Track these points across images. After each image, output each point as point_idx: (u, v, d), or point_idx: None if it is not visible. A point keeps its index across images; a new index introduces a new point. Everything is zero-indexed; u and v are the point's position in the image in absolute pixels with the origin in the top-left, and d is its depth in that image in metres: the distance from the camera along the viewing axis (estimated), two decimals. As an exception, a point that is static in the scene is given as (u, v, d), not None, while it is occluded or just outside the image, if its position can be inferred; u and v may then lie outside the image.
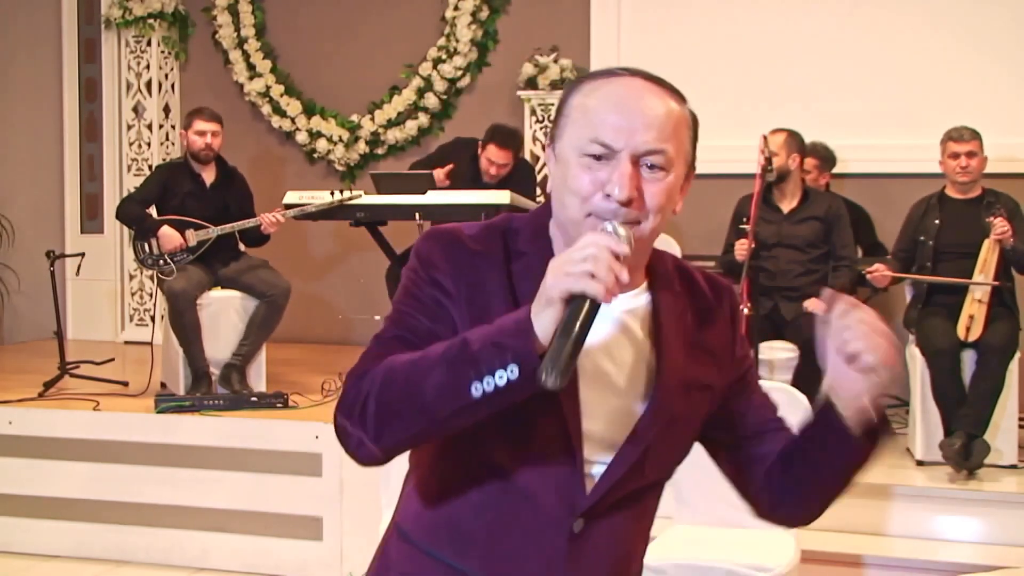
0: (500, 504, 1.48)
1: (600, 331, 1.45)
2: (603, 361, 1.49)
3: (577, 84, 1.52)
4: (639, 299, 1.53)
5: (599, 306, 1.32)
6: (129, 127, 7.45)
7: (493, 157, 5.59)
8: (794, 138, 5.17)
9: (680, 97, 1.51)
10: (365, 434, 1.42)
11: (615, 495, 1.50)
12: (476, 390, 1.34)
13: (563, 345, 1.30)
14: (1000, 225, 4.63)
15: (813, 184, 5.61)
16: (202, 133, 5.37)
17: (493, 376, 1.33)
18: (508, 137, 5.68)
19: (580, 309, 1.31)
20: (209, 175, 5.47)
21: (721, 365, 1.58)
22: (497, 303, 1.46)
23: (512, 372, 1.32)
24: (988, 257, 4.71)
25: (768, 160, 4.84)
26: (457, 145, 5.93)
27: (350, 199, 5.22)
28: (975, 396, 4.58)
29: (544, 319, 1.33)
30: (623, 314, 1.51)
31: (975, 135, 4.88)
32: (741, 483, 1.64)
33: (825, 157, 5.75)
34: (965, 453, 4.44)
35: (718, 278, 1.64)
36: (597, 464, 1.49)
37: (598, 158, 1.44)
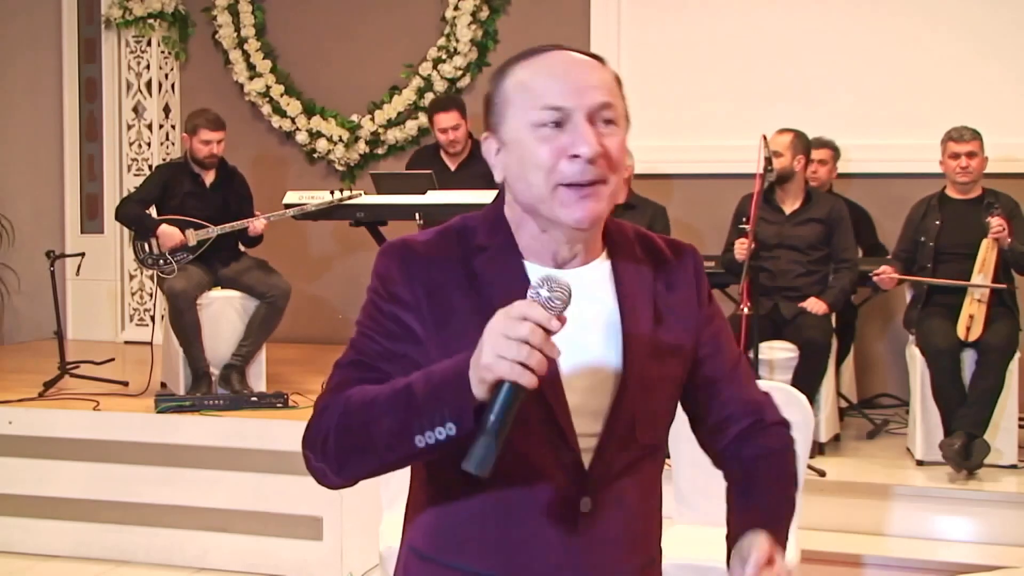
0: (505, 498, 1.48)
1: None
2: (577, 332, 1.48)
3: (505, 71, 1.52)
4: (602, 267, 1.55)
5: (527, 389, 1.36)
6: (129, 127, 7.45)
7: (442, 124, 5.84)
8: (800, 139, 5.14)
9: (604, 61, 1.54)
10: (328, 467, 1.48)
11: (615, 467, 1.51)
12: (419, 441, 1.38)
13: (489, 441, 1.34)
14: (996, 224, 4.63)
15: (828, 177, 5.64)
16: (207, 143, 5.38)
17: (433, 431, 1.37)
18: (446, 101, 6.08)
19: (511, 397, 1.34)
20: (209, 175, 5.47)
21: (688, 327, 1.58)
22: (461, 301, 1.48)
23: (450, 429, 1.36)
24: (987, 256, 4.71)
25: (768, 160, 4.84)
26: (420, 154, 6.13)
27: (349, 199, 5.22)
28: (975, 396, 4.58)
29: (477, 388, 1.35)
30: (589, 284, 1.52)
31: (975, 135, 4.88)
32: (707, 448, 1.68)
33: (836, 148, 5.76)
34: (965, 453, 4.44)
35: (679, 241, 1.65)
36: (589, 437, 1.50)
37: (556, 125, 1.45)
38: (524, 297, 1.36)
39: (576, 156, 1.43)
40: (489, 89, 1.53)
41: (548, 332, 1.33)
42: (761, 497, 1.60)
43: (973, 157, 4.88)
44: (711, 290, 1.64)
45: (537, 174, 1.45)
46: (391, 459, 1.43)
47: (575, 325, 1.46)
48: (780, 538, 1.55)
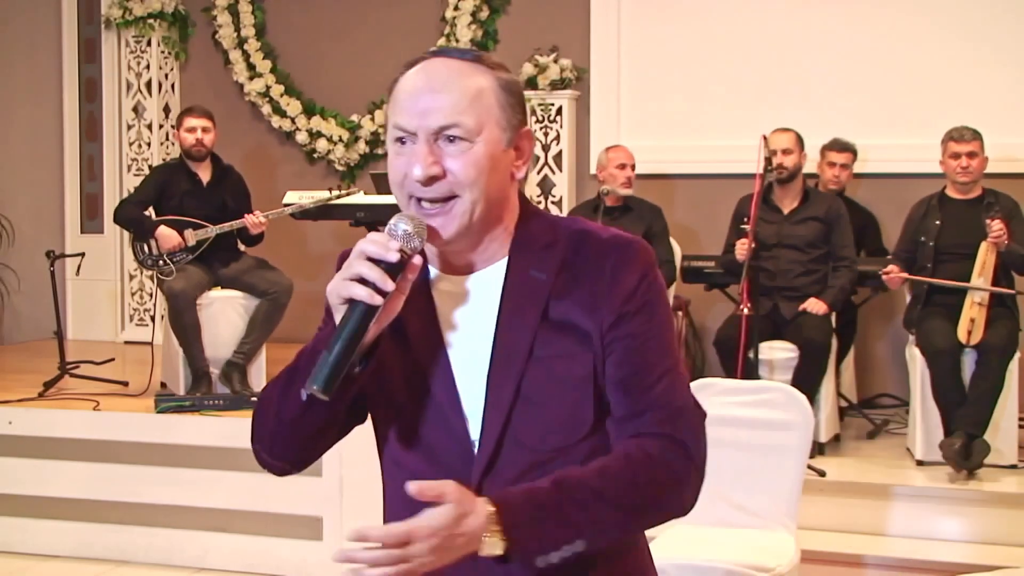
0: (413, 499, 1.49)
1: (464, 307, 1.53)
2: (467, 338, 1.52)
3: (394, 80, 1.56)
4: (496, 272, 1.54)
5: (373, 308, 1.41)
6: (129, 127, 7.45)
7: None
8: (799, 136, 5.20)
9: (490, 65, 1.52)
10: (262, 448, 1.60)
11: (506, 473, 1.48)
12: (303, 395, 1.48)
13: (327, 356, 1.39)
14: (996, 228, 4.63)
15: (848, 180, 5.65)
16: (192, 130, 5.38)
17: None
18: None
19: (350, 315, 1.41)
20: (205, 173, 5.48)
21: (592, 325, 1.49)
22: None
23: None
24: (986, 259, 4.71)
25: (768, 160, 4.85)
26: None
27: (347, 195, 5.23)
28: (975, 396, 4.58)
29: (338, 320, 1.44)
30: (482, 287, 1.54)
31: (976, 135, 4.88)
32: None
33: (855, 151, 5.75)
34: (965, 453, 4.44)
35: (619, 238, 1.54)
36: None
37: (403, 143, 1.50)
38: (425, 301, 1.52)
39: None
40: None
41: (390, 259, 1.42)
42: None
43: (973, 157, 4.88)
44: (646, 290, 1.50)
45: (395, 187, 1.53)
46: (288, 418, 1.52)
47: (468, 330, 1.52)
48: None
